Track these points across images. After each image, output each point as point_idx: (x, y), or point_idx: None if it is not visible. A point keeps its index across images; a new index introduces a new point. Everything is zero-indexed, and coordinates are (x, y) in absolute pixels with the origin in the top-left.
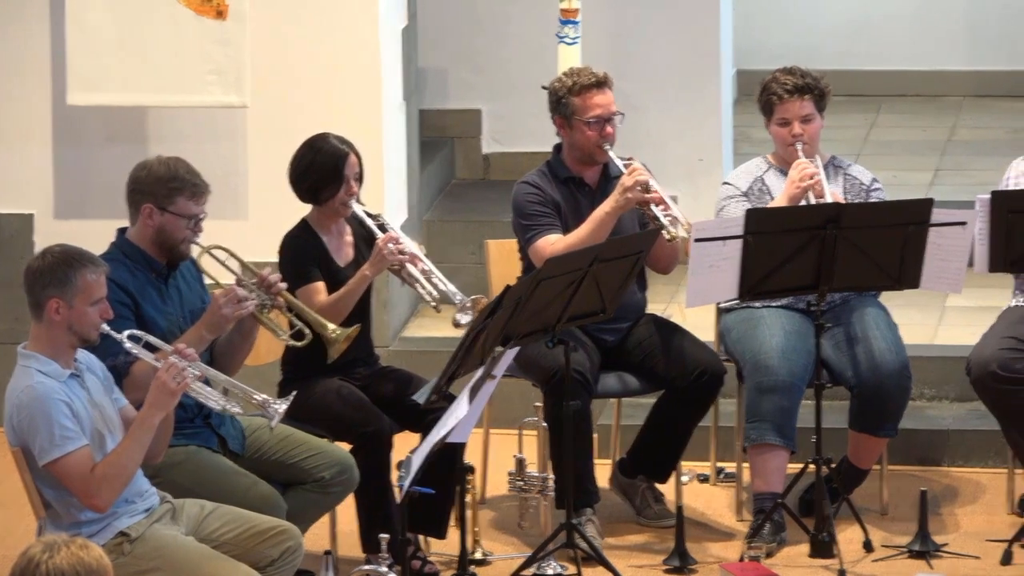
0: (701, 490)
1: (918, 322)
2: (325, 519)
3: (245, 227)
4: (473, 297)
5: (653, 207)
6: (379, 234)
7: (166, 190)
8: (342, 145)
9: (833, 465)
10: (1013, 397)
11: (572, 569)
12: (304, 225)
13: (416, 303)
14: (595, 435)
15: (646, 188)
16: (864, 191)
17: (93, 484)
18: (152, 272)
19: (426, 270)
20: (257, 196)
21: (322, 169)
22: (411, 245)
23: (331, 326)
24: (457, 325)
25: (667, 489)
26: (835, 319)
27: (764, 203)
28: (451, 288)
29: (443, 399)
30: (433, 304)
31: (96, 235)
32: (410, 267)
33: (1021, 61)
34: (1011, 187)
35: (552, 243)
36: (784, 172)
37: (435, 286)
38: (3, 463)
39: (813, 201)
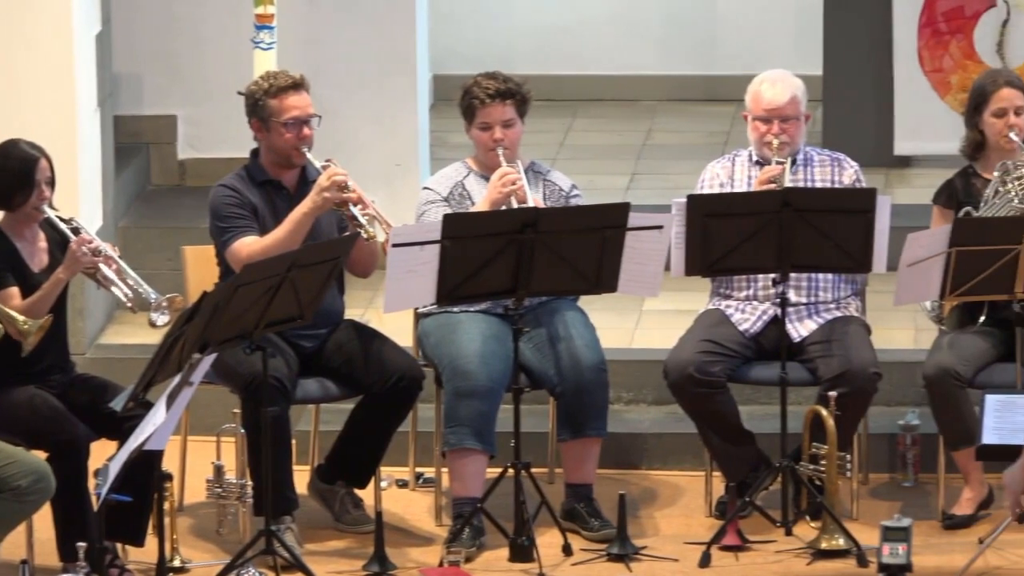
0: (400, 495)
1: (615, 326)
2: (21, 527)
3: None
4: (168, 296)
5: (351, 207)
6: (72, 237)
7: None
8: (32, 150)
9: (528, 468)
10: (709, 400)
11: None
12: None
13: (112, 310)
14: (294, 441)
15: (343, 187)
16: (564, 197)
17: None
18: None
19: (121, 271)
20: None
21: (12, 175)
22: (105, 247)
23: (21, 318)
24: (154, 325)
25: (366, 494)
26: (534, 323)
27: (465, 208)
28: (146, 288)
29: (140, 406)
30: (129, 305)
31: None
32: (105, 269)
33: (715, 66)
34: (706, 191)
35: (249, 244)
36: (485, 178)
37: (131, 287)
38: None
39: (515, 206)
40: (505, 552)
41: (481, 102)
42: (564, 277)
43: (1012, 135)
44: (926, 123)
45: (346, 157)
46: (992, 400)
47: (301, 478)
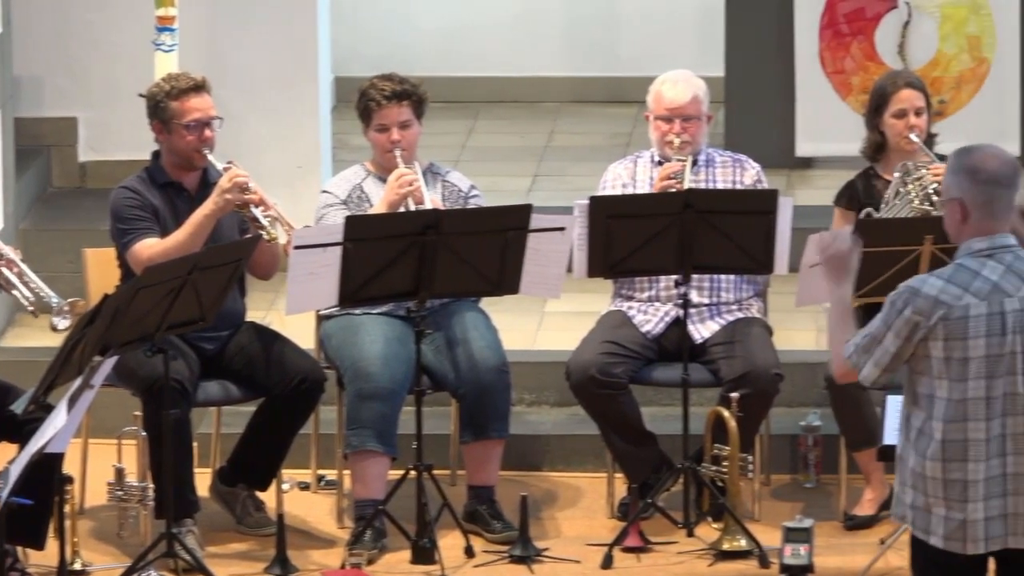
0: (302, 497)
1: (517, 327)
2: None
3: None
4: (70, 300)
5: (253, 208)
6: None
7: None
8: None
9: (430, 470)
10: (612, 401)
11: None
12: None
13: (12, 312)
14: (195, 444)
15: (245, 189)
16: (463, 198)
17: None
18: None
19: (22, 275)
20: None
21: None
22: (7, 251)
23: None
24: (55, 329)
25: (268, 497)
26: (435, 325)
27: (363, 210)
28: (48, 292)
29: (41, 409)
30: (31, 309)
31: None
32: (6, 272)
33: (617, 67)
34: (608, 192)
35: (150, 246)
36: (383, 179)
37: (32, 291)
38: None
39: (413, 208)
40: (407, 554)
41: (377, 104)
42: (466, 279)
43: (912, 136)
44: (827, 124)
45: (248, 159)
46: (894, 401)
47: (203, 480)
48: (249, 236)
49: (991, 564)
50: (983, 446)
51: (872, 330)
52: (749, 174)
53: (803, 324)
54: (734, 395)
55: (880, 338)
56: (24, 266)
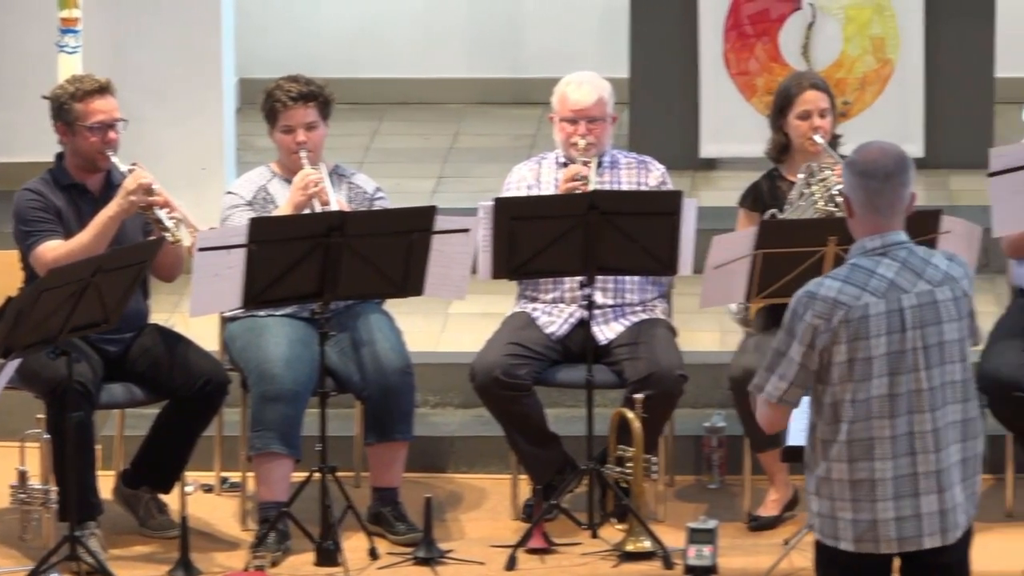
0: (205, 500)
1: (422, 329)
2: None
3: None
4: None
5: (157, 210)
6: None
7: None
8: None
9: (334, 472)
10: (516, 403)
11: None
12: None
13: None
14: (98, 446)
15: (149, 191)
16: (368, 200)
17: None
18: None
19: None
20: None
21: None
22: None
23: None
24: None
25: (171, 499)
26: (339, 326)
27: (269, 212)
28: None
29: None
30: None
31: None
32: None
33: (522, 69)
34: (513, 193)
35: (53, 248)
36: (288, 181)
37: None
38: None
39: (319, 209)
40: (311, 556)
41: (283, 105)
42: (370, 280)
43: (816, 137)
44: (732, 126)
45: (152, 161)
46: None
47: (106, 483)
48: (153, 238)
49: (896, 563)
50: (888, 444)
51: (776, 344)
52: (654, 175)
53: (707, 325)
54: (638, 396)
55: (784, 350)
56: None
